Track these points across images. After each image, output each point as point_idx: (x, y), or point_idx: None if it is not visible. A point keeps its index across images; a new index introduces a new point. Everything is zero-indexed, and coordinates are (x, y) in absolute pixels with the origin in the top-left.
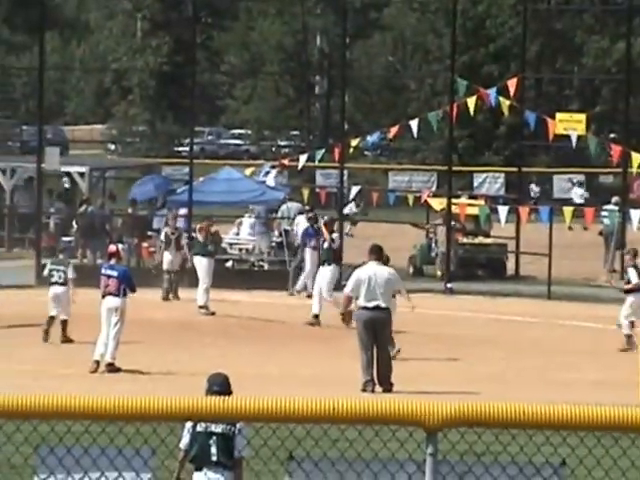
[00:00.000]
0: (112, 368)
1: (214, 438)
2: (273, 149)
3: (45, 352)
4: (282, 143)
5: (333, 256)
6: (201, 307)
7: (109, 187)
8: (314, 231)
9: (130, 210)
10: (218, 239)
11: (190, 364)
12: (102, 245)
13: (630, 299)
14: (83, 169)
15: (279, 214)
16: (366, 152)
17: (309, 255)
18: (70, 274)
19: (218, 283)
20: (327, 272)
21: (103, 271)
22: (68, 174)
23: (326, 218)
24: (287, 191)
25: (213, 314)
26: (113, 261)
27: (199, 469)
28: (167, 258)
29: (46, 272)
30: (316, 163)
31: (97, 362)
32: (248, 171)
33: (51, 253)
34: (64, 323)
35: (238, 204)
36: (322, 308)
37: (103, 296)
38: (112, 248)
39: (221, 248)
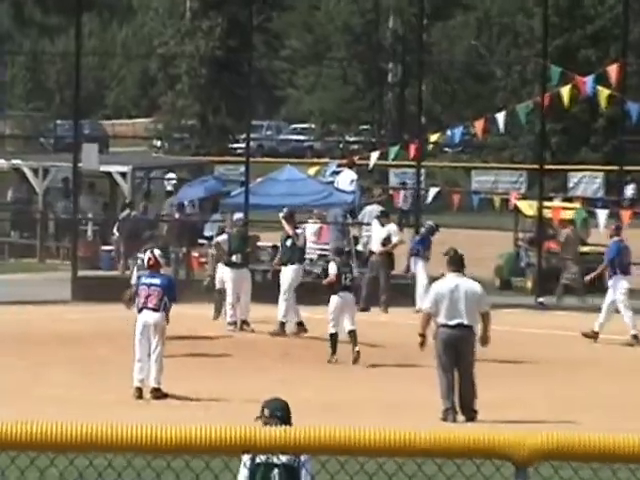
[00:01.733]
0: (158, 394)
1: (277, 471)
2: (340, 146)
3: (78, 376)
4: (350, 139)
5: (298, 255)
6: (243, 322)
7: (156, 189)
8: (426, 240)
9: (177, 215)
10: (252, 245)
11: (246, 389)
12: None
13: None
14: (125, 169)
15: (359, 218)
16: (446, 149)
17: (421, 267)
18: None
19: (276, 298)
20: (289, 272)
21: (143, 280)
22: (108, 174)
23: (285, 211)
24: (358, 193)
25: (253, 331)
26: (153, 269)
27: None
28: (219, 273)
29: (134, 280)
30: (389, 161)
31: (139, 389)
32: (312, 170)
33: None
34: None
35: (300, 208)
36: (289, 315)
37: (140, 310)
38: (149, 256)
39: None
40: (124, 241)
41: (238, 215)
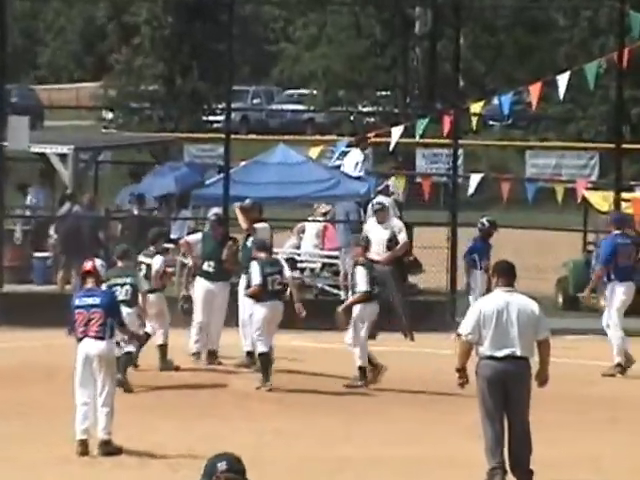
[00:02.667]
0: (109, 449)
1: None
2: (351, 118)
3: (2, 426)
4: (364, 109)
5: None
6: (210, 353)
7: (106, 177)
8: (483, 245)
9: (136, 211)
10: (232, 251)
11: (227, 441)
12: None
13: None
14: (65, 149)
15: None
16: (491, 122)
17: (479, 280)
18: (143, 286)
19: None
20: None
21: (77, 302)
22: (42, 156)
23: (248, 202)
24: (373, 182)
25: (220, 364)
26: (90, 284)
27: None
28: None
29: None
30: (416, 139)
31: (83, 441)
32: (314, 151)
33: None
34: (131, 357)
35: (298, 201)
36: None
37: (79, 339)
38: (86, 266)
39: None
40: (63, 246)
41: (215, 210)
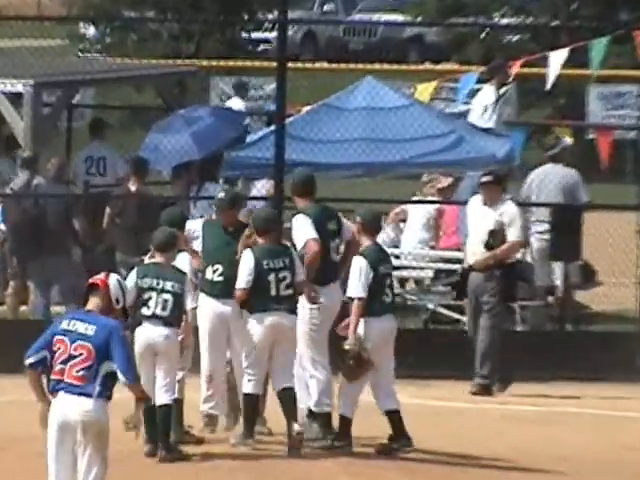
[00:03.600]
0: None
1: None
2: (482, 35)
3: None
4: (504, 20)
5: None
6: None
7: (85, 130)
8: None
9: (133, 187)
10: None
11: None
12: (62, 268)
13: None
14: (19, 86)
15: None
16: None
17: None
18: (189, 302)
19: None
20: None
21: (64, 324)
22: None
23: (224, 196)
24: (520, 139)
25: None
26: (92, 305)
27: None
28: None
29: (130, 283)
30: (590, 69)
31: None
32: (422, 89)
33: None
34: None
35: (396, 170)
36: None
37: (53, 391)
38: (99, 276)
39: None
40: (15, 241)
41: (262, 183)
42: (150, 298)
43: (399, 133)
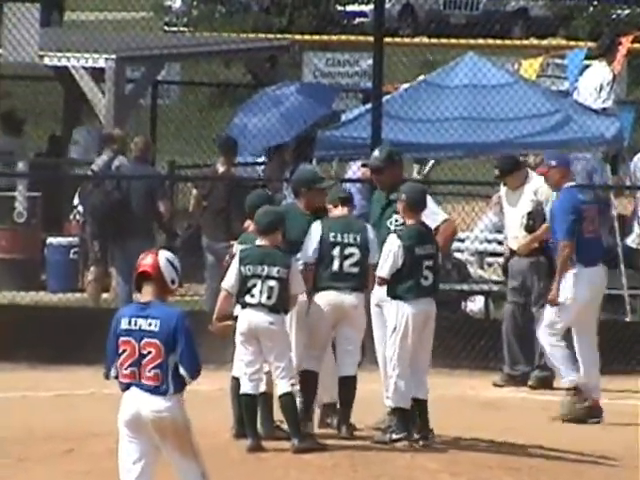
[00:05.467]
0: None
1: None
2: (591, 8)
3: None
4: None
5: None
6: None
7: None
8: None
9: (222, 168)
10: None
11: None
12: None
13: None
14: (101, 61)
15: (631, 172)
16: None
17: None
18: (297, 284)
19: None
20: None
21: (124, 323)
22: (63, 72)
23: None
24: (629, 119)
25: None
26: (149, 295)
27: None
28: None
29: (235, 265)
30: None
31: None
32: (528, 66)
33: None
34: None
35: (499, 150)
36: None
37: (124, 388)
38: (144, 263)
39: None
40: (96, 225)
41: (357, 165)
42: (254, 286)
43: (502, 112)
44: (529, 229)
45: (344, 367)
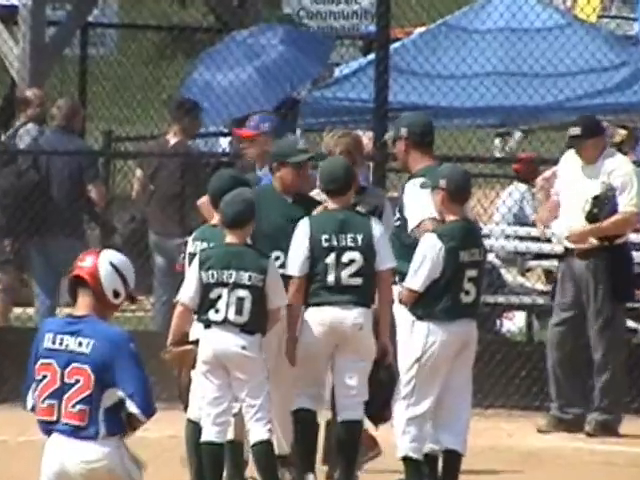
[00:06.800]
0: None
1: None
2: None
3: None
4: None
5: None
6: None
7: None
8: None
9: (173, 140)
10: None
11: None
12: (73, 254)
13: None
14: None
15: None
16: None
17: None
18: (277, 295)
19: None
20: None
21: (46, 341)
22: None
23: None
24: None
25: None
26: (83, 308)
27: None
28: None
29: (193, 277)
30: None
31: None
32: (584, 2)
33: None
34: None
35: (542, 117)
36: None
37: (46, 431)
38: (81, 264)
39: None
40: (3, 216)
41: None
42: (220, 297)
43: (551, 65)
44: (592, 218)
45: (345, 409)
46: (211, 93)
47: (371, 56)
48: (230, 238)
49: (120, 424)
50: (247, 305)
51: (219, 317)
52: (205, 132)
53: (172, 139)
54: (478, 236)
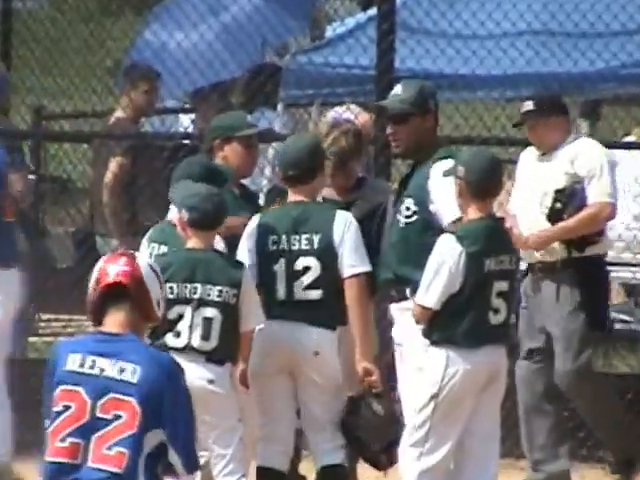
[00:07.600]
0: None
1: None
2: None
3: None
4: None
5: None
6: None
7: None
8: None
9: (121, 115)
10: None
11: None
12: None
13: None
14: None
15: None
16: None
17: None
18: (254, 314)
19: None
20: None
21: (70, 364)
22: None
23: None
24: None
25: None
26: (120, 326)
27: None
28: None
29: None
30: None
31: None
32: None
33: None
34: None
35: (589, 88)
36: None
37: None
38: (118, 268)
39: None
40: None
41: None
42: (181, 317)
43: (601, 22)
44: (555, 216)
45: (323, 453)
46: (168, 58)
47: (372, 11)
48: (194, 242)
49: (158, 476)
50: (216, 327)
51: (180, 343)
52: (162, 108)
53: (119, 114)
54: (508, 239)
